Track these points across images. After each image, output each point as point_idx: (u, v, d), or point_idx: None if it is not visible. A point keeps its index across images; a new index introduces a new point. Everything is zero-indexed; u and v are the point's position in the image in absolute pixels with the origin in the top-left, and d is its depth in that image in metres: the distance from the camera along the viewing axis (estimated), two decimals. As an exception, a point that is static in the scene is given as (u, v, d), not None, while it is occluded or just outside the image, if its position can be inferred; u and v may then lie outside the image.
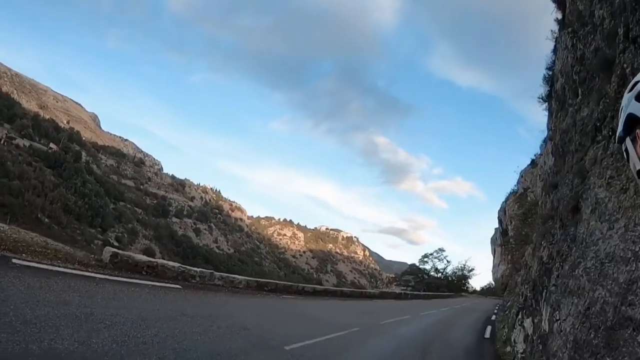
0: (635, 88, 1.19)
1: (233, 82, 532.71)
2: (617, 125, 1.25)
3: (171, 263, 12.50)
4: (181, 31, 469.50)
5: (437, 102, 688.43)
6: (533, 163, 60.48)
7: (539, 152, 56.22)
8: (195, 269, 13.21)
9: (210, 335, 7.18)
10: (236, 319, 9.16)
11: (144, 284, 9.80)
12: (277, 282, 18.93)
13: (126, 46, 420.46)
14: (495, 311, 32.07)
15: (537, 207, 36.30)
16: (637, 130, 1.17)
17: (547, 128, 14.49)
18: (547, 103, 14.22)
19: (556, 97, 11.42)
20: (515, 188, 72.14)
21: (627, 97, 1.21)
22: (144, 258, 11.86)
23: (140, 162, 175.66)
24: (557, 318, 6.18)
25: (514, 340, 12.30)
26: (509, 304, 26.21)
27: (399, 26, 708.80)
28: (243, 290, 15.02)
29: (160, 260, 12.43)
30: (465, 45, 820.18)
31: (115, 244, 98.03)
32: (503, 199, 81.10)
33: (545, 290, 8.11)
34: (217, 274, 14.15)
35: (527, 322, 10.23)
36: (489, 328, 20.39)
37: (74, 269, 8.77)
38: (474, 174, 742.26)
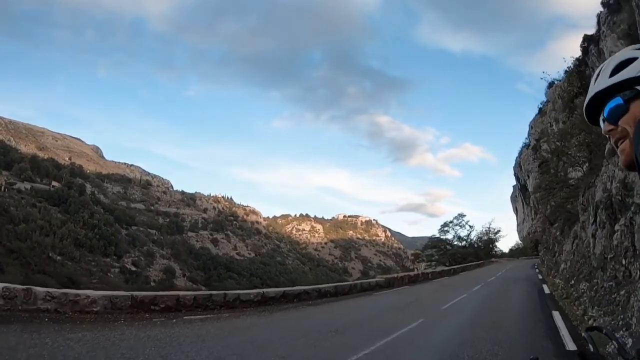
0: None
1: (227, 89, 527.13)
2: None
3: None
4: (168, 48, 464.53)
5: (433, 72, 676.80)
6: (541, 112, 58.64)
7: (545, 100, 54.41)
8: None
9: None
10: None
11: None
12: (181, 293, 12.23)
13: (117, 73, 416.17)
14: (540, 277, 28.19)
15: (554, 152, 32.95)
16: None
17: None
18: None
19: None
20: (527, 141, 70.22)
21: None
22: None
23: (147, 184, 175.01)
24: None
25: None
26: (562, 266, 21.78)
27: (382, 2, 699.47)
28: (100, 315, 9.71)
29: None
30: (451, 9, 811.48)
31: (133, 268, 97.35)
32: (515, 155, 79.69)
33: None
34: (40, 290, 9.30)
35: None
36: (557, 316, 12.41)
37: None
38: (481, 137, 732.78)
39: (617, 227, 10.34)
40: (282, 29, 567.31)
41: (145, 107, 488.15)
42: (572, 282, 16.44)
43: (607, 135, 1.20)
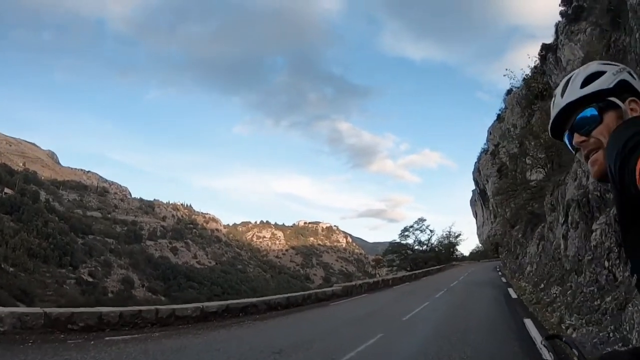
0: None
1: (188, 93, 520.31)
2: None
3: None
4: (128, 50, 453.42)
5: (393, 80, 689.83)
6: (499, 118, 60.17)
7: (504, 106, 55.97)
8: None
9: None
10: None
11: None
12: (104, 309, 10.49)
13: (75, 76, 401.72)
14: (504, 280, 27.67)
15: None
16: (630, 98, 1.14)
17: None
18: None
19: None
20: (486, 146, 71.88)
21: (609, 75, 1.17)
22: None
23: (104, 191, 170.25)
24: None
25: None
26: (528, 269, 21.29)
27: (345, 10, 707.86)
28: (8, 335, 8.40)
29: None
30: (413, 18, 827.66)
31: (90, 279, 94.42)
32: (474, 161, 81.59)
33: None
34: None
35: None
36: (530, 325, 11.14)
37: None
38: (440, 143, 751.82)
39: (595, 226, 9.42)
40: (242, 34, 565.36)
41: (103, 111, 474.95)
42: (542, 285, 15.42)
43: (577, 147, 1.20)
